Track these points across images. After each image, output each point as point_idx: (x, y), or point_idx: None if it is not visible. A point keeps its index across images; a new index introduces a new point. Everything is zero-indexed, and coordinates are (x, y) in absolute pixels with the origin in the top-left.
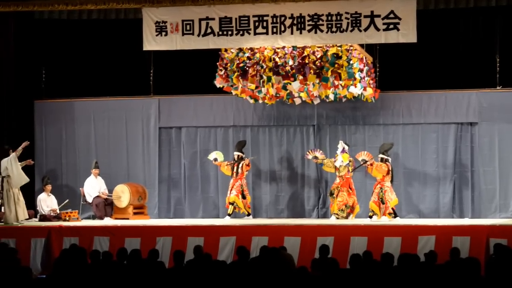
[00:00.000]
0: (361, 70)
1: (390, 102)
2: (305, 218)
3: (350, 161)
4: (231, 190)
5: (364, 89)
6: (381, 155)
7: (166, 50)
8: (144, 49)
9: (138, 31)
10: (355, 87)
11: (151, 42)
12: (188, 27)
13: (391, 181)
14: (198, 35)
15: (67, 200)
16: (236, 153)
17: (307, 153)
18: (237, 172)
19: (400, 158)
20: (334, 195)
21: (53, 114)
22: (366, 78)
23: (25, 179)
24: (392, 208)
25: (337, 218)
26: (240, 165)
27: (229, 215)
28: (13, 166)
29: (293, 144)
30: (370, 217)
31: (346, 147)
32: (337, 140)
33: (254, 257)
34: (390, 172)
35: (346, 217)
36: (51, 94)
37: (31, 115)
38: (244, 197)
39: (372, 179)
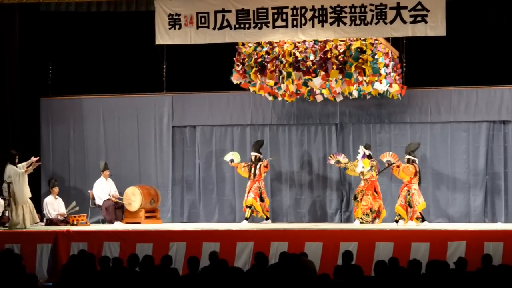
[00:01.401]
0: (386, 65)
1: (418, 99)
2: (327, 222)
3: (372, 166)
4: (248, 192)
5: (390, 85)
6: (407, 156)
7: (180, 44)
8: (157, 43)
9: (150, 24)
10: (380, 83)
11: (164, 36)
12: (203, 19)
13: (419, 184)
14: (214, 29)
15: (74, 202)
16: (253, 154)
17: (329, 157)
18: (254, 174)
19: (428, 159)
20: (358, 199)
21: (60, 112)
22: (392, 74)
23: (27, 196)
24: (420, 212)
25: (361, 223)
26: (258, 166)
27: (246, 219)
28: (19, 182)
29: (314, 144)
30: (397, 221)
31: (367, 152)
32: (360, 139)
33: (273, 264)
34: (418, 173)
35: (371, 222)
36: (58, 91)
37: (37, 113)
38: (262, 200)
39: (399, 182)
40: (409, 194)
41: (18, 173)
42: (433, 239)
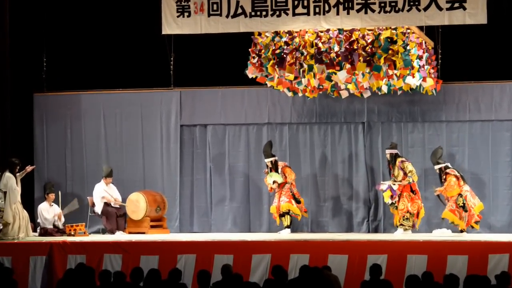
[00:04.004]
0: (420, 57)
1: (455, 95)
2: (353, 232)
3: (409, 172)
4: (280, 197)
5: (424, 79)
6: (437, 166)
7: (189, 34)
8: (163, 33)
9: (156, 11)
10: (413, 77)
11: (172, 25)
12: (215, 6)
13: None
14: (227, 16)
15: (75, 199)
16: (267, 160)
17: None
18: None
19: (467, 162)
20: (395, 204)
21: (55, 110)
22: (426, 67)
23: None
24: (478, 215)
25: (405, 230)
26: (280, 170)
27: (288, 227)
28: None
29: (339, 145)
30: (462, 231)
31: (394, 151)
32: (390, 139)
33: (293, 279)
34: (460, 176)
35: (413, 227)
36: (53, 86)
37: (29, 110)
38: (298, 201)
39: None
40: (461, 197)
41: (12, 188)
42: (472, 251)
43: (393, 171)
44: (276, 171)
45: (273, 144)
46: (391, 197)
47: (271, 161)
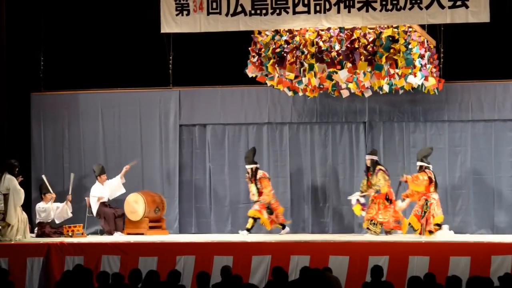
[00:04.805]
0: (421, 56)
1: (457, 94)
2: (354, 233)
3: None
4: (255, 202)
5: (426, 78)
6: (419, 163)
7: (188, 33)
8: (162, 31)
9: (155, 10)
10: (415, 76)
11: (170, 23)
12: (214, 5)
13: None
14: (226, 15)
15: (72, 175)
16: (248, 167)
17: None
18: (258, 191)
19: (469, 162)
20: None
21: (53, 109)
22: (427, 66)
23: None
24: (438, 224)
25: (371, 235)
26: (257, 178)
27: (248, 229)
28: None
29: (340, 145)
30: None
31: (375, 158)
32: (392, 139)
33: (293, 280)
34: (433, 181)
35: (378, 234)
36: (51, 85)
37: (27, 110)
38: (271, 212)
39: None
40: (426, 205)
41: (16, 189)
42: (475, 252)
43: (371, 178)
44: (255, 178)
45: (274, 144)
46: (362, 210)
47: (252, 168)
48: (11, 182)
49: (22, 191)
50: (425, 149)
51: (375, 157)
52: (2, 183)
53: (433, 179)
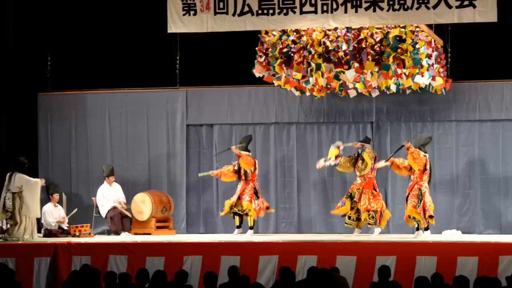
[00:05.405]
0: (429, 56)
1: (465, 94)
2: (361, 233)
3: (372, 158)
4: (241, 194)
5: (433, 78)
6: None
7: (195, 32)
8: (169, 31)
9: (162, 10)
10: (422, 76)
11: (177, 23)
12: (221, 4)
13: (429, 182)
14: (233, 15)
15: (75, 210)
16: (237, 151)
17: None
18: (246, 175)
19: (477, 162)
20: (356, 199)
21: (60, 109)
22: (435, 66)
23: (38, 209)
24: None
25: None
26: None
27: (238, 227)
28: (31, 192)
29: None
30: (418, 228)
31: (367, 145)
32: (399, 139)
33: (300, 280)
34: (428, 170)
35: (375, 225)
36: (58, 85)
37: (34, 110)
38: (257, 196)
39: (400, 181)
40: (420, 193)
41: (31, 183)
42: (483, 252)
43: (358, 163)
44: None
45: (281, 144)
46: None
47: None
48: (22, 178)
49: (37, 181)
50: (424, 138)
51: (367, 145)
52: (13, 182)
53: (429, 169)
